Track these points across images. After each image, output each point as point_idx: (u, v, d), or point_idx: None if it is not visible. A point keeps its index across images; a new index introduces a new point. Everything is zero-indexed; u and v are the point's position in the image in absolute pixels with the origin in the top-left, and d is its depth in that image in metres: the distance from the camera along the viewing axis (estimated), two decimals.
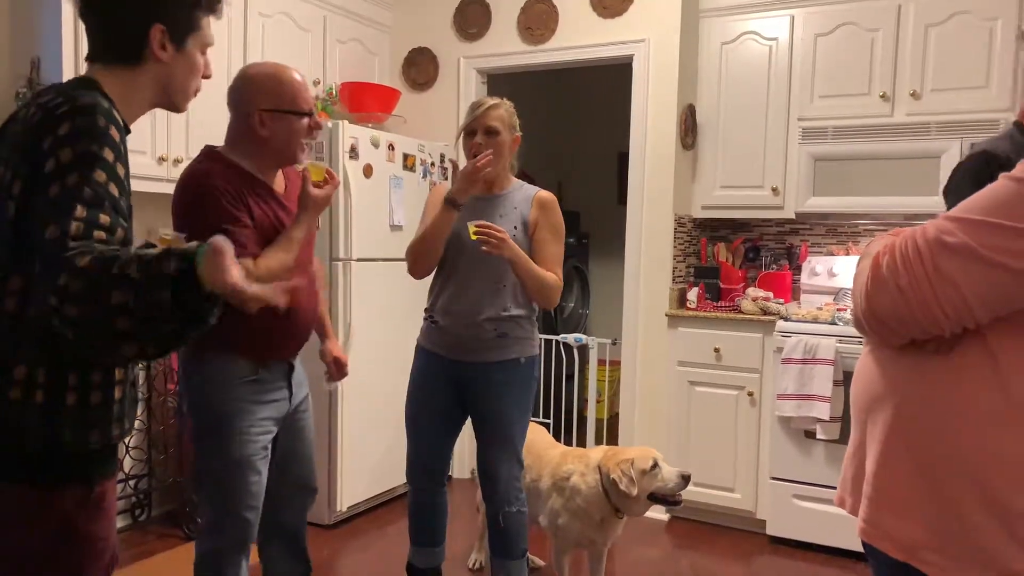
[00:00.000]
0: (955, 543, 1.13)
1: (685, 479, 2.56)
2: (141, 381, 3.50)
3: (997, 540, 1.09)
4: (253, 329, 1.94)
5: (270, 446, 2.14)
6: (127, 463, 3.44)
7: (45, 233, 1.18)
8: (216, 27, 4.07)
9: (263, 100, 2.02)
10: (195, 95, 1.49)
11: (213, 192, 1.94)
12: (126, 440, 3.42)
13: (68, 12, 2.88)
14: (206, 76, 1.48)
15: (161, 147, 3.25)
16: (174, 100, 1.45)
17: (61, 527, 1.31)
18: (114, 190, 1.24)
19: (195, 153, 3.39)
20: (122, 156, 1.28)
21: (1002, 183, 1.09)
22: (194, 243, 1.23)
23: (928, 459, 1.16)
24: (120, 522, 3.43)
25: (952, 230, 1.10)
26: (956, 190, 2.15)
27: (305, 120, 2.06)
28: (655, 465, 2.57)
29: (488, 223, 2.38)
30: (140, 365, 3.37)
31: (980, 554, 1.11)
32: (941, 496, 1.15)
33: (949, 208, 1.56)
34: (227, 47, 3.52)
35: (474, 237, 2.36)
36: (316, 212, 2.06)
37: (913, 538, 1.18)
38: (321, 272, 2.41)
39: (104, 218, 1.21)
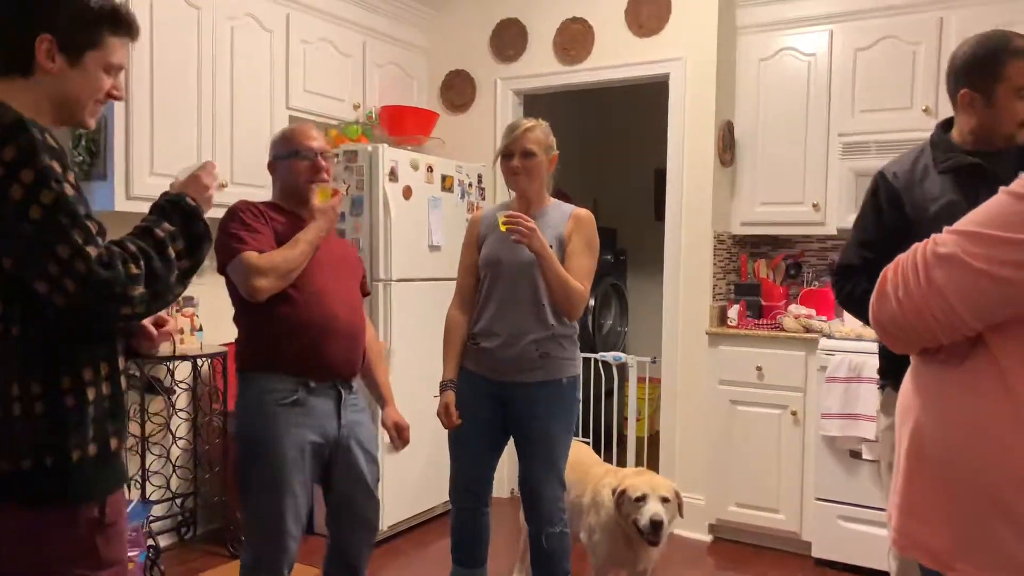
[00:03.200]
0: (980, 552, 1.14)
1: (654, 524, 2.53)
2: (187, 403, 3.56)
3: (1018, 547, 1.10)
4: (292, 348, 2.20)
5: (310, 469, 2.26)
6: (173, 482, 3.50)
7: (70, 267, 1.22)
8: (260, 54, 4.12)
9: (271, 152, 2.40)
10: (98, 113, 1.44)
11: (236, 211, 2.27)
12: (173, 459, 3.49)
13: None
14: (115, 97, 1.43)
15: None
16: (75, 115, 1.40)
17: (77, 551, 1.31)
18: (78, 198, 1.27)
19: (240, 177, 3.49)
20: (66, 160, 1.28)
21: (999, 196, 1.13)
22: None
23: (945, 471, 1.18)
24: (166, 540, 3.48)
25: (946, 240, 1.15)
26: (860, 211, 2.20)
27: (305, 162, 2.32)
28: (642, 498, 2.56)
29: (518, 213, 2.41)
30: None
31: (1005, 561, 1.12)
32: (961, 506, 1.15)
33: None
34: (269, 73, 3.61)
35: (503, 228, 2.37)
36: (322, 220, 2.28)
37: (941, 548, 1.19)
38: (380, 347, 2.61)
39: (93, 226, 1.27)
